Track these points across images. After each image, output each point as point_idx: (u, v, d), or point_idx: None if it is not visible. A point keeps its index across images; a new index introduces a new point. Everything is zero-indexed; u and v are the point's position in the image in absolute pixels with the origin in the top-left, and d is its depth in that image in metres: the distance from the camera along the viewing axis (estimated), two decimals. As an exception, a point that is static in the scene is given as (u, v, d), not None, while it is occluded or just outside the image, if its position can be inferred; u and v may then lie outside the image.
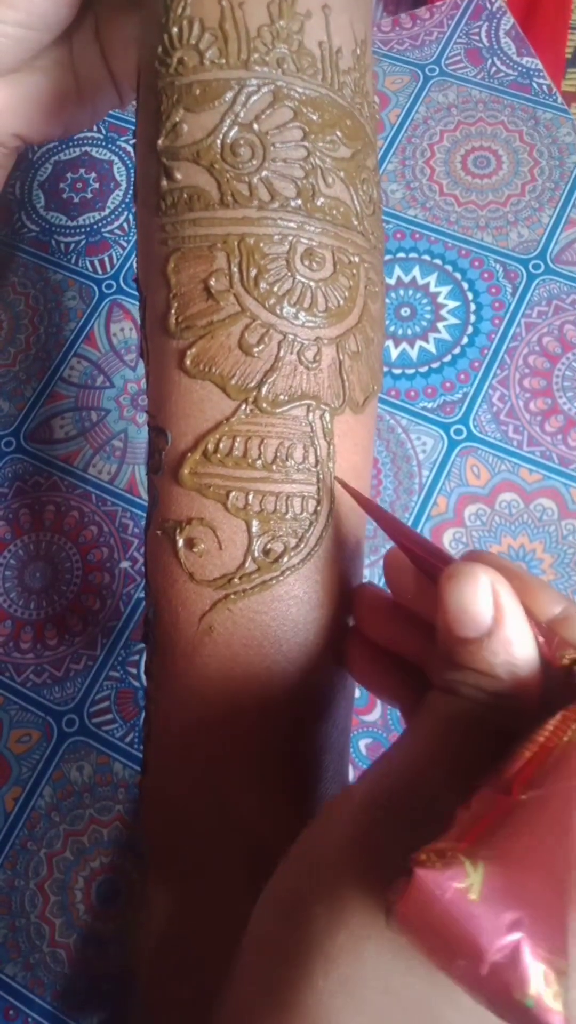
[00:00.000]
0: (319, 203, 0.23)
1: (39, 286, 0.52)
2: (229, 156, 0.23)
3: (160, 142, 0.23)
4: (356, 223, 0.24)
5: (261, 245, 0.22)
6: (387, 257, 0.50)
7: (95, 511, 0.46)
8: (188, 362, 0.23)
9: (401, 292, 0.49)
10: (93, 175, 0.54)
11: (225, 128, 0.22)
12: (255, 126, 0.23)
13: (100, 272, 0.52)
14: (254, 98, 0.23)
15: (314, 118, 0.23)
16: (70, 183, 0.54)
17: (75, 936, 0.39)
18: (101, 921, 0.39)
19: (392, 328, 0.48)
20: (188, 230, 0.23)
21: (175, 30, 0.23)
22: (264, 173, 0.23)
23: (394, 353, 0.48)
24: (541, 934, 0.13)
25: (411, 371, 0.47)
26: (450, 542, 0.44)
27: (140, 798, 0.26)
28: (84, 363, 0.49)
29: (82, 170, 0.55)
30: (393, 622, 0.23)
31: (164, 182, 0.23)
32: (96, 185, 0.54)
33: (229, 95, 0.23)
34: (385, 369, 0.47)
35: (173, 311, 0.23)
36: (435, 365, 0.47)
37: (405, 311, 0.49)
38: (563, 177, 0.51)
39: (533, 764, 0.15)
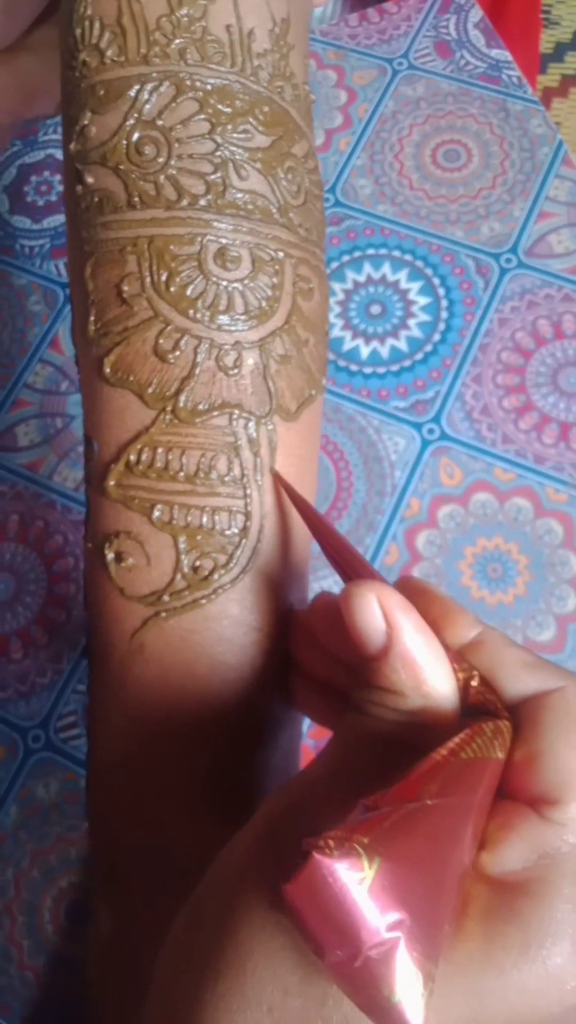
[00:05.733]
0: (231, 198, 0.22)
1: (2, 291, 0.50)
2: (134, 156, 0.22)
3: (71, 147, 0.23)
4: (278, 216, 0.23)
5: (171, 246, 0.22)
6: (357, 254, 0.49)
7: (60, 520, 0.45)
8: (107, 370, 0.22)
9: (371, 289, 0.48)
10: (58, 177, 0.53)
11: (129, 127, 0.22)
12: (159, 122, 0.22)
13: (65, 276, 0.51)
14: (156, 94, 0.22)
15: (223, 108, 0.22)
16: (34, 186, 0.53)
17: (44, 958, 0.38)
18: (70, 942, 0.38)
19: (362, 326, 0.47)
20: (101, 234, 0.22)
21: (78, 31, 0.22)
22: (170, 171, 0.22)
23: (364, 352, 0.47)
24: (418, 937, 0.13)
25: (382, 370, 0.46)
26: (424, 544, 0.43)
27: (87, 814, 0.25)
28: (49, 368, 0.48)
29: (46, 172, 0.54)
30: (325, 654, 0.23)
31: (78, 187, 0.22)
32: (60, 188, 0.53)
33: (131, 93, 0.22)
34: (355, 368, 0.46)
35: (92, 318, 0.22)
36: (407, 363, 0.46)
37: (375, 308, 0.48)
38: (535, 169, 0.50)
39: (434, 772, 0.16)
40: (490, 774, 0.16)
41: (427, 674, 0.17)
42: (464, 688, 0.18)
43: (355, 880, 0.13)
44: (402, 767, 0.16)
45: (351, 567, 0.21)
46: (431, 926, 0.14)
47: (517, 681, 0.18)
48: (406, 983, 0.13)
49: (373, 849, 0.13)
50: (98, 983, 0.24)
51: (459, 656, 0.19)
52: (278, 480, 0.23)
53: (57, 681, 0.42)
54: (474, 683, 0.18)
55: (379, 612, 0.18)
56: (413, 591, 0.19)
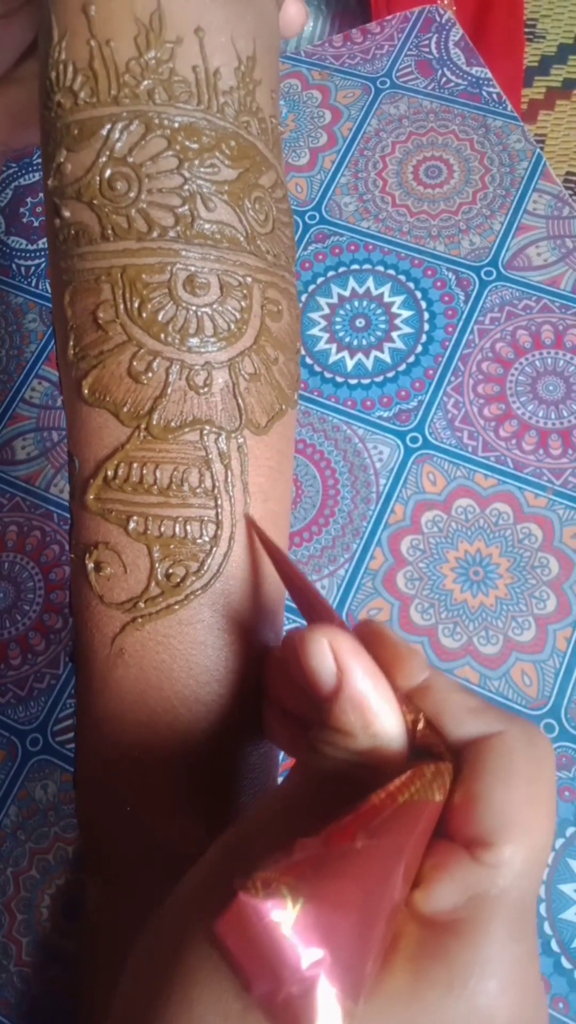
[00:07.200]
0: (200, 229, 0.23)
1: (0, 309, 0.52)
2: (107, 190, 0.23)
3: (49, 182, 0.24)
4: (246, 243, 0.24)
5: (143, 275, 0.23)
6: (341, 269, 0.51)
7: (56, 530, 0.46)
8: (85, 391, 0.23)
9: (356, 303, 0.50)
10: (53, 198, 0.55)
11: (101, 164, 0.23)
12: (129, 159, 0.23)
13: (60, 294, 0.53)
14: (126, 132, 0.23)
15: (190, 144, 0.23)
16: (30, 207, 0.55)
17: (40, 955, 0.39)
18: (67, 939, 0.39)
19: (347, 339, 0.49)
20: (78, 264, 0.24)
21: (53, 74, 0.24)
22: (141, 205, 0.23)
23: (349, 364, 0.48)
24: (339, 975, 0.14)
25: (367, 381, 0.48)
26: (408, 549, 0.44)
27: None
28: (45, 384, 0.50)
29: (41, 194, 0.55)
30: (296, 687, 0.24)
31: (56, 220, 0.24)
32: (55, 208, 0.55)
33: (103, 132, 0.23)
34: (341, 380, 0.48)
35: (71, 342, 0.24)
36: (390, 374, 0.48)
37: (360, 322, 0.49)
38: (514, 184, 0.51)
39: (371, 814, 0.16)
40: (426, 817, 0.17)
41: (375, 715, 0.18)
42: (412, 730, 0.19)
43: (279, 919, 0.14)
44: (348, 807, 0.16)
45: (313, 610, 0.22)
46: (354, 964, 0.14)
47: (460, 725, 0.18)
48: (325, 1018, 0.14)
49: (298, 890, 0.14)
50: (85, 957, 0.25)
51: (407, 699, 0.19)
52: (251, 525, 0.24)
53: (54, 686, 0.43)
54: (420, 726, 0.19)
55: (330, 655, 0.18)
56: (368, 635, 0.20)
